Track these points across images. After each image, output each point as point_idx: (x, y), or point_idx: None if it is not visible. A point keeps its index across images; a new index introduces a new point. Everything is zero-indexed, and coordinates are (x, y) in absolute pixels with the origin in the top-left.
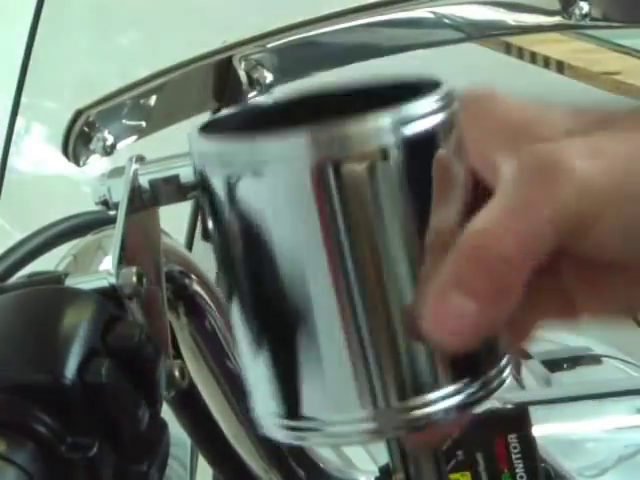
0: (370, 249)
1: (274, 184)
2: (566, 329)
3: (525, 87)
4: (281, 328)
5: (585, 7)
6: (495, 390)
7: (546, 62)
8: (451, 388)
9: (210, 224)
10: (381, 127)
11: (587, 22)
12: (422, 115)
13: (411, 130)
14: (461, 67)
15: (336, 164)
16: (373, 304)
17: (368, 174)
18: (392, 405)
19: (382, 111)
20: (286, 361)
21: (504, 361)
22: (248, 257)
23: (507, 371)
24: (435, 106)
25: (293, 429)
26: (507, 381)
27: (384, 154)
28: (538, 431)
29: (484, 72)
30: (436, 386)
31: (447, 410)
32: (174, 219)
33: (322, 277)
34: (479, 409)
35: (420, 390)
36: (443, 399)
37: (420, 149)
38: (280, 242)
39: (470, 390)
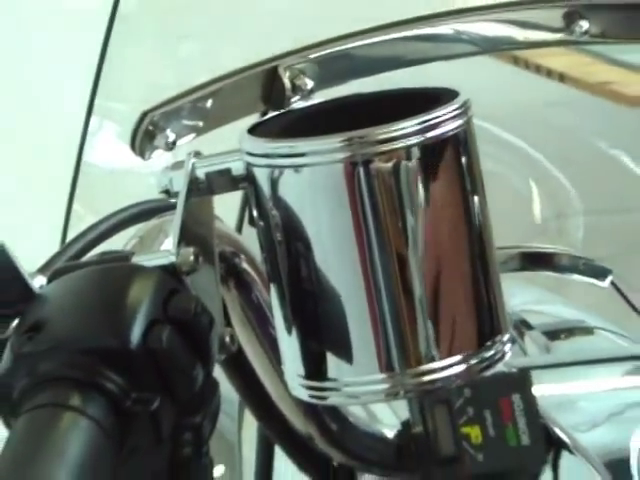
0: (393, 235)
1: (312, 179)
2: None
3: (533, 94)
4: (312, 301)
5: (585, 25)
6: (496, 362)
7: (549, 73)
8: (457, 357)
9: (255, 212)
10: (406, 132)
11: (587, 38)
12: (442, 122)
13: (430, 135)
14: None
15: (366, 163)
16: (395, 284)
17: (393, 172)
18: (405, 370)
19: (407, 118)
20: (314, 330)
21: (506, 337)
22: (286, 241)
23: (508, 345)
24: (454, 114)
25: (316, 389)
26: (507, 355)
27: (408, 155)
28: (538, 392)
29: (499, 81)
30: (445, 355)
31: (453, 377)
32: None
33: (351, 258)
34: (488, 373)
35: (431, 358)
36: (450, 367)
37: (440, 151)
38: (315, 228)
39: (474, 360)
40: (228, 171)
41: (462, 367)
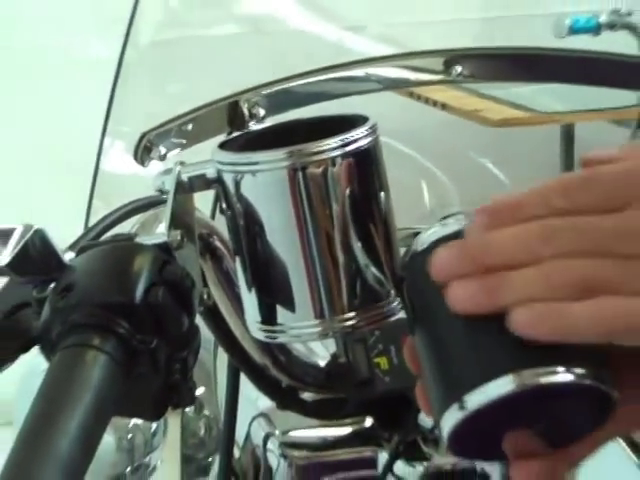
0: (322, 220)
1: (264, 181)
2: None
3: (422, 119)
4: (265, 267)
5: (459, 69)
6: (398, 311)
7: (434, 103)
8: (370, 308)
9: (224, 204)
10: (332, 147)
11: (461, 79)
12: (356, 139)
13: (349, 148)
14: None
15: (303, 169)
16: (324, 254)
17: (322, 175)
18: (333, 317)
19: (332, 136)
20: (267, 289)
21: None
22: (246, 225)
23: None
24: (365, 133)
25: (269, 331)
26: None
27: (333, 163)
28: None
29: (398, 109)
30: (361, 306)
31: (367, 322)
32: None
33: (292, 236)
34: (392, 319)
35: (351, 308)
36: (365, 315)
37: (355, 160)
38: (266, 215)
39: (382, 310)
40: (204, 175)
41: (373, 315)
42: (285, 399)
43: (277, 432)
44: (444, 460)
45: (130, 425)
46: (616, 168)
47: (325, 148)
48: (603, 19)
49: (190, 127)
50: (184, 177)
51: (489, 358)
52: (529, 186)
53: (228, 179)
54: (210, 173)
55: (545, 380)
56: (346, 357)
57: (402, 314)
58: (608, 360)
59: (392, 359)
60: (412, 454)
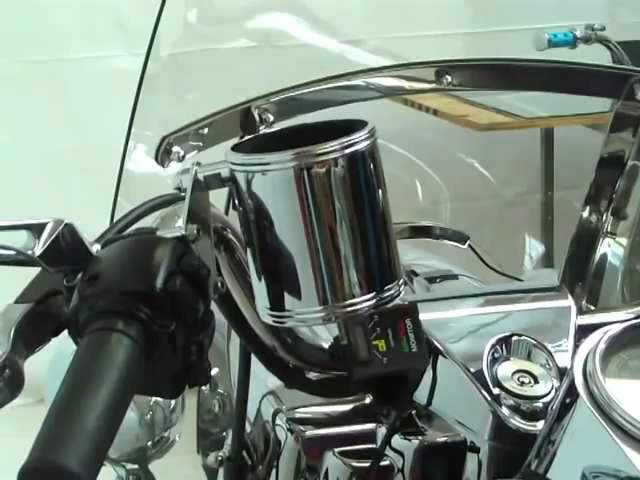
0: (325, 214)
1: (273, 179)
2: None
3: (416, 123)
4: (274, 258)
5: (449, 78)
6: (395, 298)
7: (427, 109)
8: (370, 295)
9: (236, 201)
10: (334, 148)
11: (450, 87)
12: (356, 142)
13: (349, 150)
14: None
15: (308, 169)
16: (327, 246)
17: (325, 174)
18: (336, 304)
19: (334, 139)
20: (276, 277)
21: (401, 281)
22: (257, 219)
23: (402, 287)
24: (364, 136)
25: (278, 317)
26: (402, 293)
27: (335, 163)
28: (422, 316)
29: (394, 115)
30: (361, 293)
31: (367, 307)
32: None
33: (298, 229)
34: (390, 305)
35: (352, 295)
36: (365, 301)
37: (355, 161)
38: (275, 210)
39: (380, 296)
40: (218, 175)
41: (373, 301)
42: (292, 378)
43: (285, 409)
44: (437, 434)
45: (151, 402)
46: None
47: (328, 150)
48: (579, 33)
49: (206, 131)
50: (200, 176)
51: None
52: (513, 184)
53: (240, 178)
54: (224, 173)
55: None
56: (347, 340)
57: (398, 300)
58: None
59: (389, 342)
60: (408, 429)
